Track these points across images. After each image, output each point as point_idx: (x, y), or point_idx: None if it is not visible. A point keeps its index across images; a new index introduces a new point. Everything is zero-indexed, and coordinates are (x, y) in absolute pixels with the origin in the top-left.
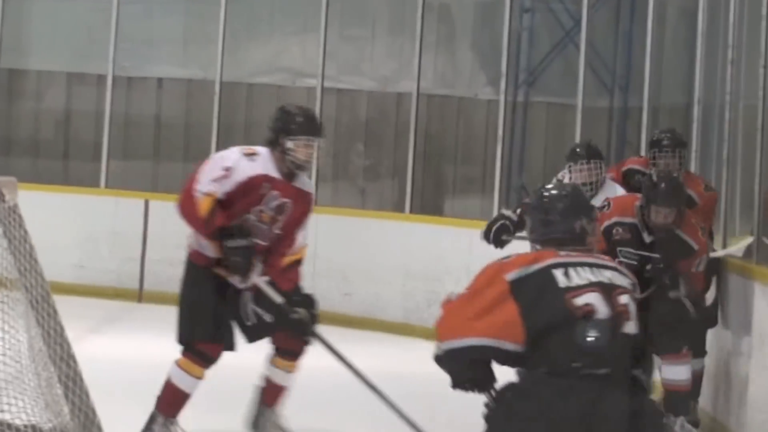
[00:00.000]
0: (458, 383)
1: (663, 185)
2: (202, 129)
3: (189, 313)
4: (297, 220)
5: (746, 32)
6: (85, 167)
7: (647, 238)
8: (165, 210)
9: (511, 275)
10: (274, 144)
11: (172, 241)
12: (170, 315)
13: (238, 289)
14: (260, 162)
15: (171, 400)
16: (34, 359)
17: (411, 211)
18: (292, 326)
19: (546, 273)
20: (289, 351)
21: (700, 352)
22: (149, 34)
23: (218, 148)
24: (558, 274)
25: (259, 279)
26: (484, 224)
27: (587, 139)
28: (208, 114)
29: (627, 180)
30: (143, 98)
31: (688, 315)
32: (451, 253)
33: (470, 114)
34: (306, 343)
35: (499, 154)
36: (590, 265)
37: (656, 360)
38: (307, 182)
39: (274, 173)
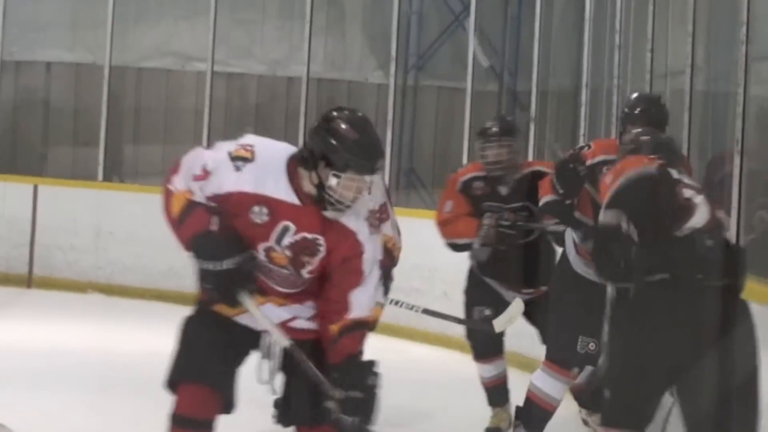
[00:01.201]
0: None
1: (639, 103)
2: (91, 114)
3: (182, 352)
4: (340, 269)
5: (633, 17)
6: None
7: None
8: (54, 195)
9: None
10: (308, 165)
11: (62, 226)
12: (59, 300)
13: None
14: (250, 172)
15: None
16: None
17: None
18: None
19: None
20: None
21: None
22: (37, 17)
23: (107, 133)
24: None
25: (279, 336)
26: None
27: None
28: (97, 98)
29: (467, 192)
30: (31, 82)
31: None
32: None
33: (360, 98)
34: None
35: (389, 138)
36: None
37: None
38: (353, 217)
39: (282, 194)
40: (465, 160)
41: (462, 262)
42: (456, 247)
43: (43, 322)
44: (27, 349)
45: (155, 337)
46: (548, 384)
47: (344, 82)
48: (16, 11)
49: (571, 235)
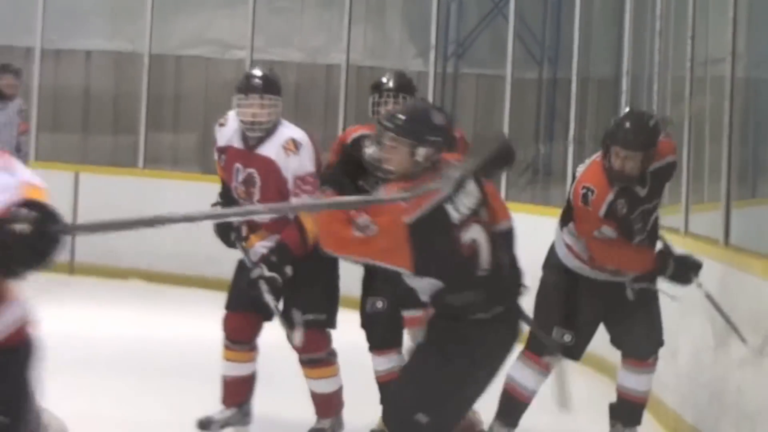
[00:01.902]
0: None
1: (629, 122)
2: (131, 101)
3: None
4: (273, 192)
5: (674, 3)
6: None
7: (642, 192)
8: (95, 182)
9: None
10: None
11: (102, 213)
12: (102, 287)
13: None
14: (225, 131)
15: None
16: None
17: None
18: None
19: None
20: None
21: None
22: (77, 6)
23: (147, 121)
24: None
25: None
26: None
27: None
28: (137, 86)
29: (357, 149)
30: (72, 71)
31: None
32: None
33: None
34: None
35: None
36: None
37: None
38: (275, 145)
39: (236, 141)
40: None
41: None
42: None
43: (85, 309)
44: (70, 336)
45: (197, 323)
46: (525, 374)
47: (384, 70)
48: (56, 0)
49: (561, 235)
